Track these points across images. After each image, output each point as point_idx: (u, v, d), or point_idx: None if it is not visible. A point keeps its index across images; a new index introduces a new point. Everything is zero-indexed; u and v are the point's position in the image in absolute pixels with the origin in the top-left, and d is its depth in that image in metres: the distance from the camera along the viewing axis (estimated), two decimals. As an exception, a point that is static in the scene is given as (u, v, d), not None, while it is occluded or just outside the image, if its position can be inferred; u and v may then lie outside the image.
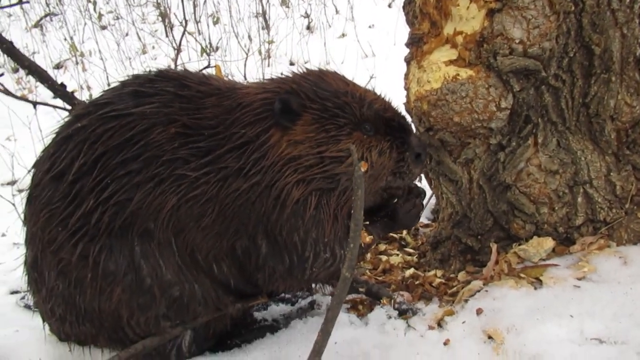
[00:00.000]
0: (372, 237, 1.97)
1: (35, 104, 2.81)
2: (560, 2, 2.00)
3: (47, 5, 9.35)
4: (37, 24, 8.98)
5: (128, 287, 1.72)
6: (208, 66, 3.29)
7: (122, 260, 1.70)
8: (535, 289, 1.93)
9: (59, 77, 8.03)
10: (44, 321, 1.98)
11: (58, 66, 8.33)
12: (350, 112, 1.83)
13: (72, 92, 2.46)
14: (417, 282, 2.37)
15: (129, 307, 1.75)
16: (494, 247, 2.20)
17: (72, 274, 1.73)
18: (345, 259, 1.42)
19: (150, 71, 1.90)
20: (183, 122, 1.73)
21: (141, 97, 1.75)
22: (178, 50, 3.61)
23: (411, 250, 2.85)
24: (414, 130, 2.07)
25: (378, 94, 1.97)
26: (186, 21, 5.11)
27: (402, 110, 2.09)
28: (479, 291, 2.04)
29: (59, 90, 2.43)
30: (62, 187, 1.69)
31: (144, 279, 1.73)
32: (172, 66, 7.40)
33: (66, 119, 1.87)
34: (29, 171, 1.88)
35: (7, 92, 2.58)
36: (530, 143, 2.16)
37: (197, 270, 1.81)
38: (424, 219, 3.21)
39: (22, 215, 1.92)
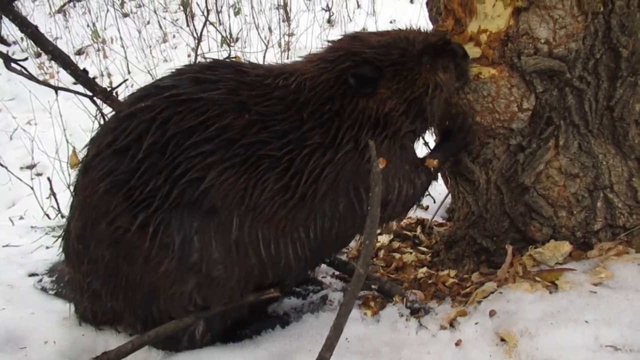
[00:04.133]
0: (438, 159, 2.16)
1: (57, 89, 2.84)
2: (589, 2, 1.96)
3: (71, -9, 9.45)
4: (61, 10, 9.07)
5: (177, 260, 1.81)
6: (229, 57, 3.28)
7: (178, 234, 1.79)
8: (551, 293, 1.90)
9: (80, 63, 8.12)
10: (70, 301, 2.04)
11: (80, 52, 8.44)
12: (410, 55, 2.01)
13: (94, 79, 2.48)
14: (430, 281, 2.36)
15: (170, 279, 1.84)
16: (510, 249, 2.17)
17: (125, 242, 1.81)
18: (360, 256, 1.41)
19: (205, 59, 2.03)
20: (255, 110, 1.85)
21: (205, 83, 1.87)
22: (199, 39, 3.62)
23: (425, 249, 2.83)
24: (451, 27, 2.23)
25: (407, 27, 2.13)
26: (208, 11, 5.12)
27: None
28: (492, 293, 2.02)
29: (82, 77, 2.45)
30: (127, 161, 1.79)
31: (192, 254, 1.82)
32: (192, 55, 7.44)
33: (126, 99, 1.99)
34: (85, 146, 1.97)
35: (30, 77, 2.61)
36: (550, 145, 2.13)
37: (248, 251, 1.88)
38: (438, 218, 3.19)
39: (73, 187, 1.99)
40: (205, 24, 3.80)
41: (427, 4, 2.56)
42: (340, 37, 2.13)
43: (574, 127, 2.11)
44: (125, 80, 2.86)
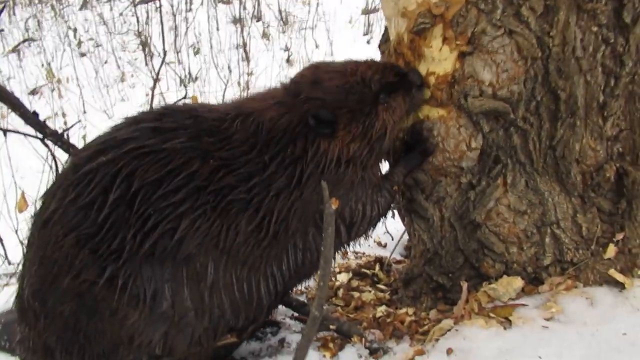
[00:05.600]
0: (401, 173, 2.27)
1: (5, 131, 2.76)
2: (528, 48, 2.07)
3: (27, 30, 9.30)
4: (15, 49, 8.90)
5: (148, 310, 1.79)
6: (185, 97, 3.29)
7: (149, 285, 1.77)
8: (505, 329, 1.93)
9: (34, 102, 7.94)
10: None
11: (33, 92, 8.25)
12: (367, 99, 2.07)
13: (44, 121, 2.43)
14: (388, 320, 2.35)
15: (137, 330, 1.80)
16: (465, 285, 2.21)
17: (91, 296, 1.77)
18: (315, 299, 1.40)
19: (151, 107, 2.02)
20: (218, 155, 1.88)
21: (165, 133, 1.88)
22: (156, 79, 3.60)
23: (383, 287, 2.84)
24: (403, 67, 2.30)
25: (362, 61, 2.17)
26: (165, 51, 5.13)
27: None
28: (449, 330, 2.04)
29: (31, 119, 2.39)
30: (93, 215, 1.77)
31: (162, 303, 1.80)
32: (150, 95, 7.40)
33: (83, 152, 1.95)
34: (36, 201, 1.90)
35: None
36: (499, 183, 2.20)
37: (222, 295, 1.89)
38: (396, 255, 3.21)
39: (28, 241, 1.94)
40: (162, 64, 3.81)
41: (379, 46, 2.65)
42: (297, 77, 2.14)
43: (520, 165, 2.19)
44: (77, 122, 2.80)
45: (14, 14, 9.88)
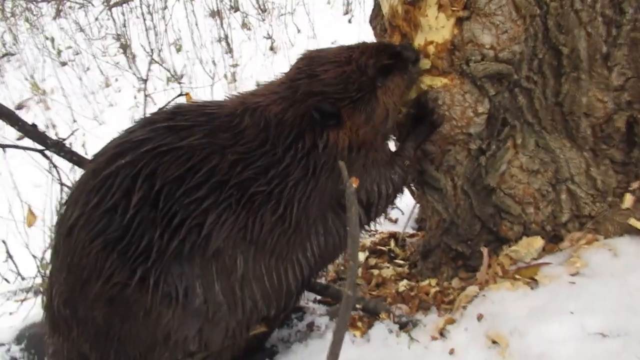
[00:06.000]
0: (411, 148, 2.26)
1: (4, 146, 2.72)
2: (526, 6, 2.05)
3: (4, 45, 9.14)
4: (-6, 66, 8.77)
5: (181, 308, 1.80)
6: (181, 94, 3.25)
7: (180, 282, 1.78)
8: (532, 288, 1.94)
9: (22, 117, 7.83)
10: None
11: (20, 107, 8.14)
12: (365, 83, 2.06)
13: (44, 132, 2.39)
14: (412, 293, 2.36)
15: (172, 329, 1.81)
16: (485, 251, 2.21)
17: (123, 298, 1.78)
18: (347, 278, 1.40)
19: (162, 108, 2.09)
20: (234, 150, 1.89)
21: (181, 131, 1.88)
22: (146, 79, 3.55)
23: (401, 262, 2.85)
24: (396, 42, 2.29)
25: (354, 46, 2.15)
26: (152, 50, 5.05)
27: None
28: (476, 296, 2.05)
29: (31, 131, 2.35)
30: (118, 219, 1.77)
31: (195, 300, 1.81)
32: (140, 96, 7.31)
33: (99, 156, 1.93)
34: (60, 208, 1.88)
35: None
36: (509, 145, 2.19)
37: (253, 286, 1.91)
38: (409, 229, 3.22)
39: (54, 249, 1.91)
40: (150, 63, 3.75)
41: (370, 22, 2.62)
42: (293, 70, 2.13)
43: (529, 125, 2.19)
44: (75, 131, 2.77)
45: (-12, 30, 9.70)
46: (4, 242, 3.93)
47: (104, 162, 1.87)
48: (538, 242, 2.16)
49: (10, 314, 3.17)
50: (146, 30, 7.95)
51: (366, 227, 2.27)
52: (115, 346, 1.82)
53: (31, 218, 3.22)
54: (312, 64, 2.10)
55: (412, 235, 3.13)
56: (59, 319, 1.87)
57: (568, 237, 2.16)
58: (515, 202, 2.21)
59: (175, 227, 1.78)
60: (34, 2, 10.22)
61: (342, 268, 2.90)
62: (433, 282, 2.41)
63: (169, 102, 2.61)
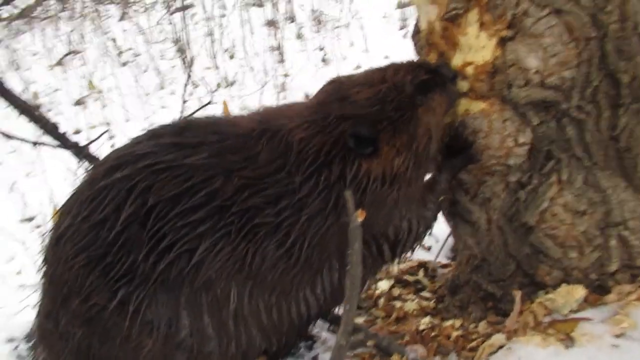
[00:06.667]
0: (445, 180, 2.10)
1: (35, 143, 2.74)
2: (580, 28, 1.83)
3: (70, 43, 9.56)
4: (60, 62, 9.16)
5: (163, 338, 1.68)
6: (209, 103, 3.20)
7: (164, 311, 1.67)
8: (566, 347, 1.71)
9: (79, 113, 8.13)
10: None
11: (79, 102, 8.46)
12: (404, 105, 1.88)
13: (64, 133, 2.38)
14: (433, 334, 2.17)
15: (153, 359, 1.71)
16: (518, 295, 1.99)
17: (101, 321, 1.68)
18: (340, 324, 1.24)
19: (174, 120, 1.94)
20: (243, 174, 1.74)
21: (185, 149, 1.76)
22: (185, 86, 3.55)
23: (428, 295, 2.65)
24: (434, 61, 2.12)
25: (384, 66, 1.98)
26: (192, 58, 5.08)
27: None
28: (501, 347, 1.83)
29: (52, 131, 2.35)
30: (105, 234, 1.67)
31: (181, 331, 1.69)
32: (193, 100, 7.44)
33: (99, 169, 1.85)
34: (53, 216, 1.84)
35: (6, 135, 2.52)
36: (553, 180, 1.97)
37: (248, 322, 1.78)
38: (442, 259, 3.01)
39: (43, 257, 1.85)
40: (189, 77, 3.74)
41: (412, 37, 2.47)
42: (320, 95, 1.97)
43: (577, 160, 1.96)
44: (104, 132, 2.76)
45: (58, 28, 10.18)
46: (41, 235, 4.02)
47: (102, 173, 1.79)
48: (579, 291, 1.92)
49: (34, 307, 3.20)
50: (204, 36, 8.10)
51: (389, 264, 2.08)
52: None
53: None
54: (341, 88, 1.93)
55: (444, 266, 2.92)
56: (45, 330, 1.81)
57: (616, 289, 1.91)
58: (556, 244, 1.99)
59: (163, 250, 1.65)
60: (102, 4, 10.69)
61: (363, 296, 2.73)
62: (457, 323, 2.21)
63: (199, 109, 2.54)
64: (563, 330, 1.78)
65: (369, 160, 1.83)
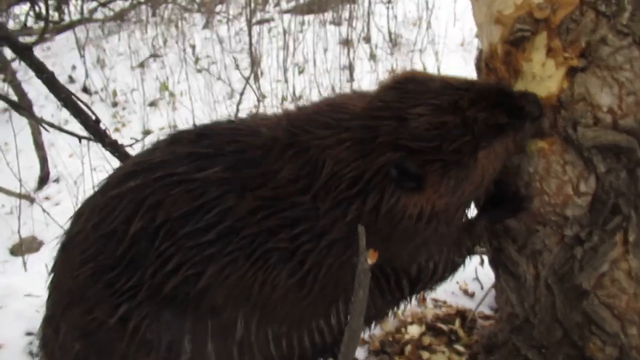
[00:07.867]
0: (483, 226, 1.88)
1: (81, 138, 2.76)
2: (669, 63, 1.56)
3: (153, 47, 10.01)
4: (141, 64, 9.61)
5: None
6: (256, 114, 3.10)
7: (166, 333, 1.59)
8: None
9: (151, 114, 8.45)
10: None
11: (152, 104, 8.79)
12: (467, 144, 1.61)
13: (105, 130, 2.38)
14: (457, 398, 1.91)
15: None
16: (561, 369, 1.71)
17: (100, 335, 1.61)
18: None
19: (194, 125, 1.84)
20: (259, 193, 1.60)
21: (200, 160, 1.63)
22: (241, 94, 3.50)
23: (461, 349, 2.38)
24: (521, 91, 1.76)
25: (464, 84, 1.67)
26: (259, 71, 5.06)
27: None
28: None
29: (92, 127, 2.35)
30: (113, 247, 1.60)
31: (181, 356, 1.60)
32: (254, 110, 7.52)
33: (116, 174, 1.79)
34: (70, 219, 1.79)
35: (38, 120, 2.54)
36: (617, 240, 1.68)
37: (254, 352, 1.67)
38: (485, 308, 2.71)
39: (54, 257, 1.80)
40: (245, 86, 3.70)
41: (475, 64, 2.25)
42: (379, 98, 1.68)
43: (649, 219, 1.66)
44: (147, 135, 2.72)
45: (146, 32, 10.72)
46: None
47: (116, 180, 1.71)
48: (636, 378, 1.61)
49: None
50: (278, 49, 8.19)
51: (406, 300, 1.89)
52: None
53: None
54: (404, 98, 1.64)
55: (486, 317, 2.64)
56: (46, 336, 1.76)
57: (682, 381, 1.58)
58: (613, 315, 1.70)
59: (170, 271, 1.55)
60: (190, 12, 11.15)
61: (390, 339, 2.49)
62: (487, 389, 1.93)
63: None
64: None
65: (409, 196, 1.61)
